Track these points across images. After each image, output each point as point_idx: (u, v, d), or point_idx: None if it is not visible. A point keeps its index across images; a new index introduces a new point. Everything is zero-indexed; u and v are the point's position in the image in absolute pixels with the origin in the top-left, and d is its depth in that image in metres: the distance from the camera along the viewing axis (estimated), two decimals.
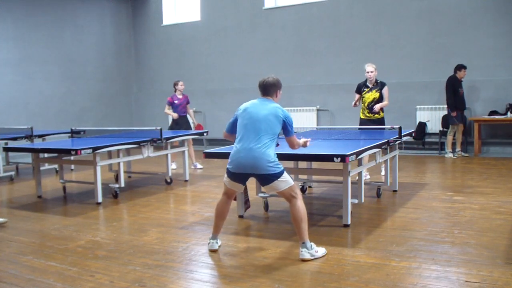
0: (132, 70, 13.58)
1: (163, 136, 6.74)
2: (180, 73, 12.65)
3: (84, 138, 7.73)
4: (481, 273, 3.28)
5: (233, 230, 4.65)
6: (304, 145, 4.08)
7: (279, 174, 3.74)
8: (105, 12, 12.75)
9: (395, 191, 6.11)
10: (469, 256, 3.65)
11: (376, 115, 6.90)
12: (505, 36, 9.03)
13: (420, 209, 5.20)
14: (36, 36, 10.91)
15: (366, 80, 6.96)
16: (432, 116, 9.69)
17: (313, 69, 10.87)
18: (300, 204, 3.77)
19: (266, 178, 3.75)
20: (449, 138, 9.08)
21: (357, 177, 5.08)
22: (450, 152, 9.09)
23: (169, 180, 7.26)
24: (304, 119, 10.84)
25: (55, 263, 3.81)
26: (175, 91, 8.68)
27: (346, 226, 4.55)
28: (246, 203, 5.10)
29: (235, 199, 5.10)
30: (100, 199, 5.95)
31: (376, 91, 6.88)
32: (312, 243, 3.75)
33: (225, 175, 3.93)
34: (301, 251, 3.69)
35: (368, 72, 6.85)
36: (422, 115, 9.75)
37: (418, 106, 9.74)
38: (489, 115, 9.15)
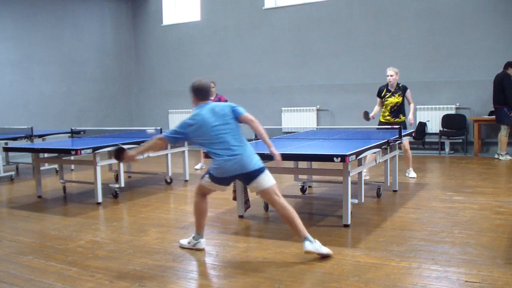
0: (132, 70, 13.58)
1: None
2: (180, 73, 12.66)
3: (84, 138, 7.72)
4: (481, 273, 3.28)
5: (233, 230, 4.65)
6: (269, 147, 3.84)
7: (263, 169, 3.78)
8: (105, 12, 12.75)
9: (395, 191, 6.11)
10: (469, 256, 3.65)
11: (397, 119, 6.82)
12: (505, 36, 9.03)
13: (420, 209, 5.20)
14: (36, 36, 10.91)
15: (387, 84, 6.87)
16: (432, 116, 9.69)
17: (313, 69, 10.87)
18: (285, 202, 3.78)
19: (253, 174, 3.74)
20: (505, 139, 8.58)
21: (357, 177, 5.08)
22: (506, 154, 8.61)
23: (169, 180, 7.26)
24: (304, 119, 10.85)
25: (55, 263, 3.81)
26: None
27: (346, 226, 4.55)
28: (246, 203, 5.10)
29: (234, 199, 5.12)
30: (100, 199, 5.95)
31: (398, 95, 6.78)
32: (317, 240, 3.73)
33: (207, 179, 3.87)
34: (304, 243, 3.68)
35: (388, 76, 6.74)
36: (422, 115, 9.75)
37: (418, 106, 9.73)
38: (489, 115, 9.14)
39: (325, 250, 3.69)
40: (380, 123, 7.00)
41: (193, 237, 4.07)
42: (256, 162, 3.77)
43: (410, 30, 9.82)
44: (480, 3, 9.22)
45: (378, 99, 7.00)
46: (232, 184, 5.06)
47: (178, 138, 3.87)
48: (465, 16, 9.35)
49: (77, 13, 11.93)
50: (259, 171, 3.75)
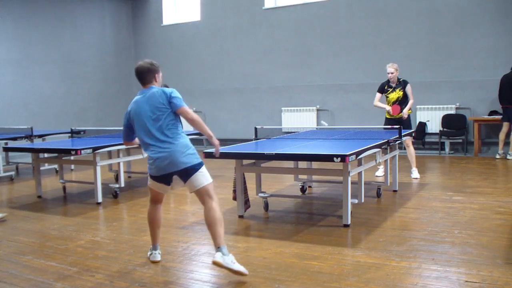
0: (132, 70, 13.44)
1: None
2: (180, 73, 12.66)
3: (84, 138, 7.72)
4: (481, 273, 3.28)
5: (233, 230, 4.65)
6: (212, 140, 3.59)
7: (198, 166, 3.48)
8: (105, 12, 12.75)
9: (395, 191, 6.11)
10: (469, 256, 3.65)
11: (401, 114, 6.88)
12: (505, 36, 9.03)
13: (420, 209, 5.20)
14: (36, 36, 10.91)
15: (388, 80, 6.97)
16: (432, 116, 9.69)
17: (313, 69, 10.87)
18: (217, 205, 3.48)
19: (186, 172, 3.47)
20: (502, 137, 8.64)
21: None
22: (503, 153, 8.66)
23: None
24: (304, 119, 10.85)
25: (55, 263, 3.81)
26: None
27: (346, 226, 4.55)
28: (246, 203, 5.10)
29: (234, 199, 5.11)
30: (100, 199, 5.95)
31: (399, 90, 6.90)
32: (231, 255, 3.34)
33: (149, 180, 3.68)
34: (215, 255, 3.30)
35: (389, 74, 6.85)
36: (422, 115, 9.75)
37: (418, 106, 9.73)
38: (489, 115, 9.15)
39: (237, 267, 3.28)
40: (386, 119, 7.12)
41: (150, 248, 3.85)
42: (188, 158, 3.44)
43: (410, 30, 9.82)
44: (480, 3, 9.22)
45: (378, 94, 7.05)
46: (232, 184, 5.07)
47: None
48: (465, 16, 9.35)
49: (77, 13, 11.93)
50: (193, 168, 3.45)
